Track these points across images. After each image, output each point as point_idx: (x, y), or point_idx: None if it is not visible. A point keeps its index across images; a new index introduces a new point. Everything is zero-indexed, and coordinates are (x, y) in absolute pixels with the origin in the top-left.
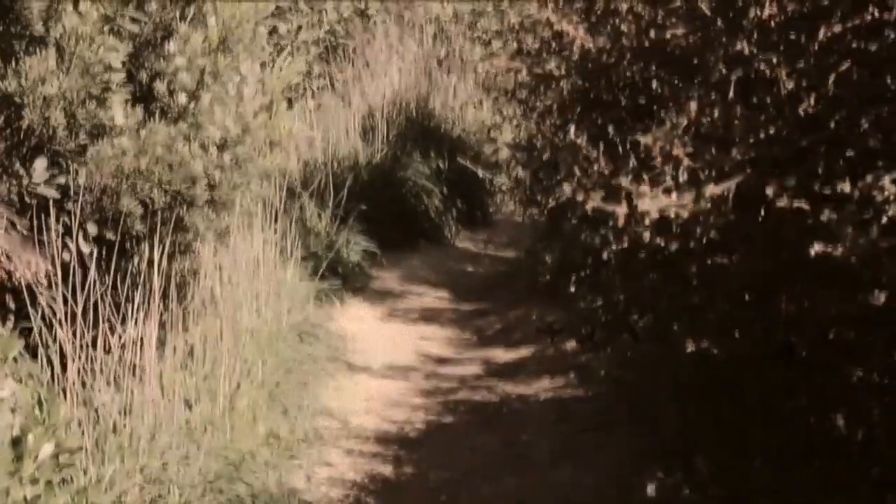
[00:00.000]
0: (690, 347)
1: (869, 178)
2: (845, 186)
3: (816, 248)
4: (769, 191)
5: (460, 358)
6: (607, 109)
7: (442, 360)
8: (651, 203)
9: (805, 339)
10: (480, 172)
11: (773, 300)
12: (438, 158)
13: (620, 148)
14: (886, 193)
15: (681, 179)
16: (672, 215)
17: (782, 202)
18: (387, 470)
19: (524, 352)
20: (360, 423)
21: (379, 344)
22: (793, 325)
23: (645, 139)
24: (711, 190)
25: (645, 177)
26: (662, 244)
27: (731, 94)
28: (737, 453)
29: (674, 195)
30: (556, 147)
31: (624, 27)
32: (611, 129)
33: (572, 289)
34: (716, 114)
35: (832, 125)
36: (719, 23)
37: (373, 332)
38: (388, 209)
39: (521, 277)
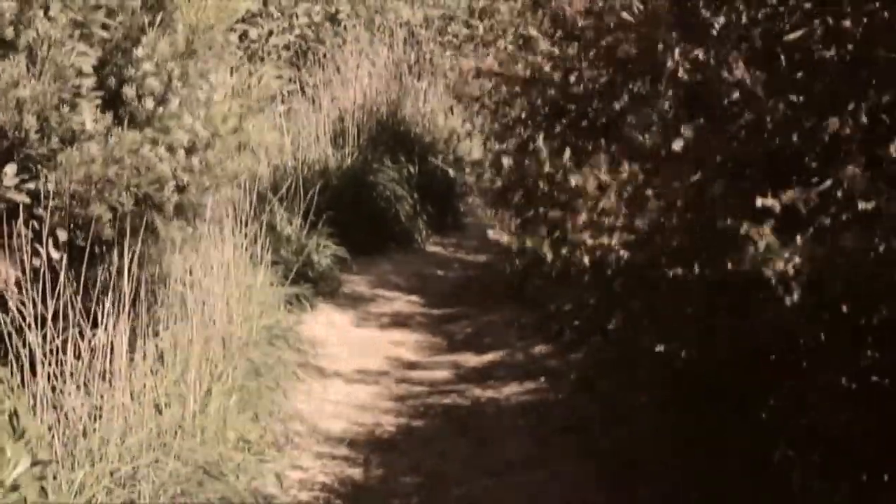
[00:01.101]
0: (659, 348)
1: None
2: (771, 201)
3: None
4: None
5: (431, 362)
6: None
7: (412, 365)
8: (583, 240)
9: (773, 344)
10: (451, 172)
11: (737, 305)
12: (409, 163)
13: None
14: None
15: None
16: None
17: (721, 222)
18: (357, 473)
19: (494, 356)
20: (330, 428)
21: (349, 348)
22: (757, 331)
23: (575, 179)
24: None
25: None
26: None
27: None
28: (707, 455)
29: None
30: (521, 159)
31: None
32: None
33: (541, 289)
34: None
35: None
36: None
37: (343, 336)
38: (359, 214)
39: (491, 282)
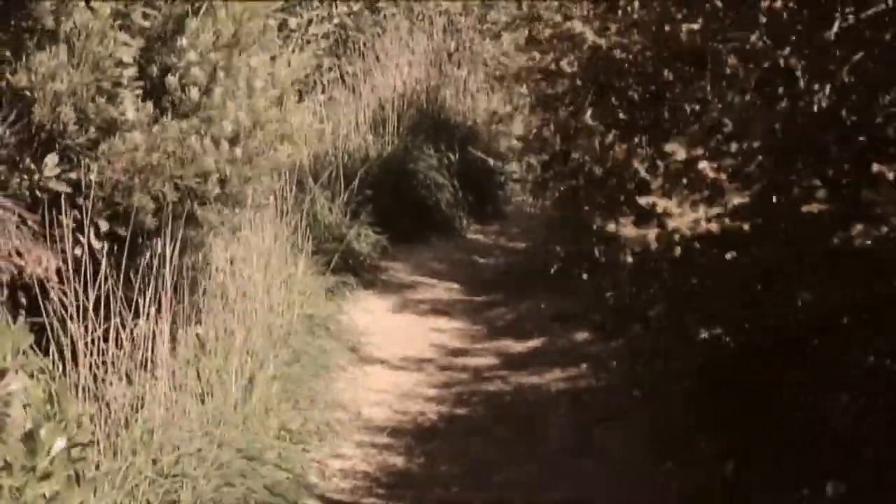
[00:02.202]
0: (703, 335)
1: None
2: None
3: (839, 238)
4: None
5: (472, 349)
6: (619, 96)
7: (454, 352)
8: (681, 220)
9: (814, 328)
10: (491, 162)
11: (783, 289)
12: (449, 151)
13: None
14: None
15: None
16: (703, 230)
17: (809, 206)
18: (399, 462)
19: (536, 343)
20: (372, 416)
21: (390, 336)
22: (802, 314)
23: (671, 146)
24: (738, 200)
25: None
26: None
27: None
28: (747, 440)
29: (701, 208)
30: (568, 135)
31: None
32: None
33: (584, 276)
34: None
35: (845, 117)
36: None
37: (384, 324)
38: (399, 202)
39: (532, 269)
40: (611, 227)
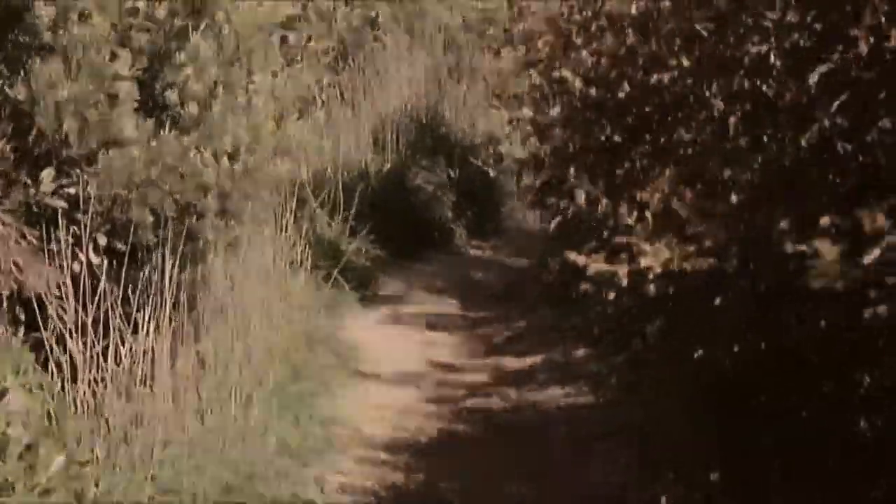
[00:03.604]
0: (698, 353)
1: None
2: (835, 219)
3: (815, 284)
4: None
5: (471, 365)
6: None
7: (452, 368)
8: (654, 259)
9: (814, 346)
10: (491, 174)
11: (780, 311)
12: (449, 167)
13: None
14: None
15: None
16: (675, 268)
17: (787, 245)
18: (398, 478)
19: (534, 360)
20: (371, 432)
21: (389, 352)
22: (802, 333)
23: (643, 195)
24: (713, 239)
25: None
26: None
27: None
28: (748, 461)
29: (675, 248)
30: (563, 160)
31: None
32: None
33: (582, 291)
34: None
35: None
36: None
37: (383, 339)
38: (399, 217)
39: (530, 286)
40: (580, 261)
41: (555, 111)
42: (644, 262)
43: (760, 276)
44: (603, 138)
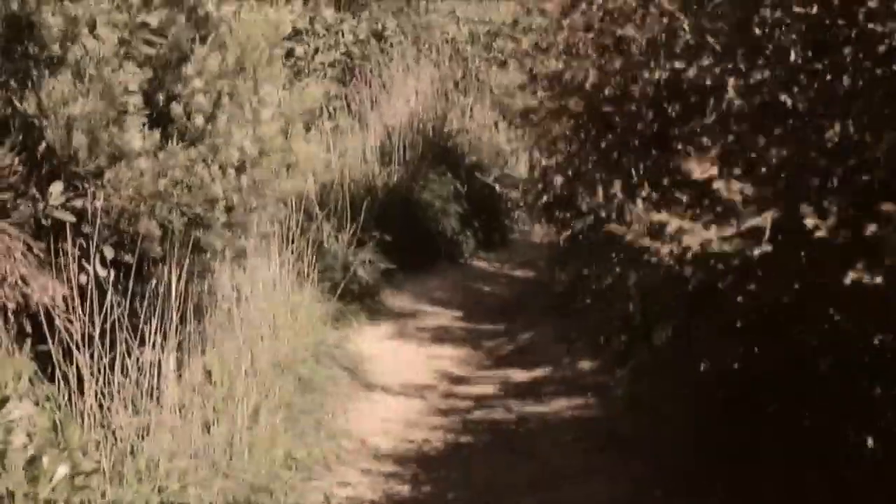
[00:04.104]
0: (705, 365)
1: None
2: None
3: (852, 276)
4: (809, 221)
5: (478, 377)
6: (623, 135)
7: (459, 380)
8: (693, 238)
9: (826, 359)
10: (498, 188)
11: (795, 322)
12: (456, 179)
13: (635, 171)
14: None
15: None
16: (716, 249)
17: (821, 231)
18: (405, 490)
19: (540, 372)
20: (377, 444)
21: (395, 364)
22: (814, 346)
23: (686, 164)
24: (752, 222)
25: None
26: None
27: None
28: (754, 470)
29: (713, 228)
30: (571, 177)
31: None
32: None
33: (588, 301)
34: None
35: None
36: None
37: (389, 352)
38: (405, 230)
39: (537, 298)
40: (628, 235)
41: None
42: (685, 240)
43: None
44: (614, 143)
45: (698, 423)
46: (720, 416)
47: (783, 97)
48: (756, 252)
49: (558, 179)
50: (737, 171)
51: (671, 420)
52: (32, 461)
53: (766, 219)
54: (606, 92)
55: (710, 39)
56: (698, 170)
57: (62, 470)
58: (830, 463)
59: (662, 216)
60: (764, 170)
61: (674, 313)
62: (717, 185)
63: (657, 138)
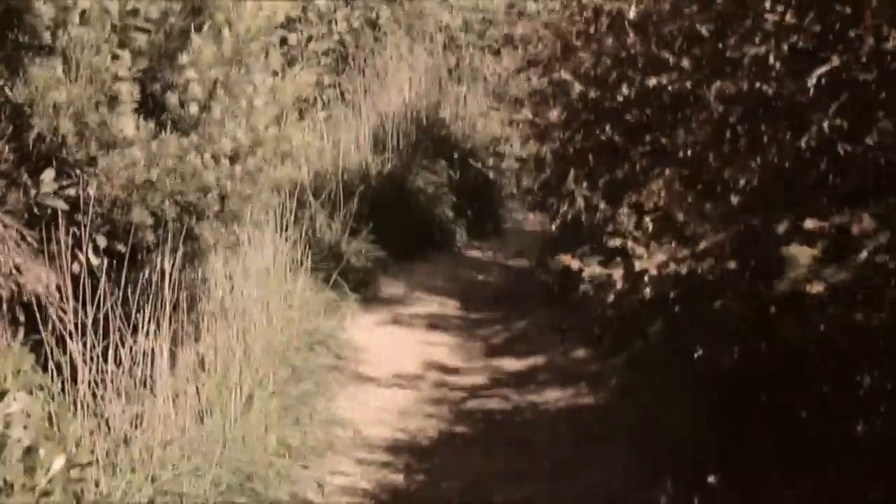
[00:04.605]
0: (699, 352)
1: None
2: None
3: (782, 287)
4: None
5: (471, 367)
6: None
7: (453, 370)
8: (649, 262)
9: (815, 349)
10: (492, 175)
11: (779, 314)
12: (449, 168)
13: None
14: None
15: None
16: (672, 272)
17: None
18: (398, 479)
19: (534, 361)
20: (371, 433)
21: (389, 353)
22: (803, 337)
23: (639, 197)
24: (710, 241)
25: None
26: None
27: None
28: (747, 462)
29: (664, 251)
30: (563, 161)
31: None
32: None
33: (581, 291)
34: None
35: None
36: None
37: (383, 340)
38: (399, 218)
39: (530, 287)
40: (574, 265)
41: (554, 113)
42: (639, 264)
43: (759, 280)
44: (603, 139)
45: (692, 413)
46: (714, 406)
47: (764, 87)
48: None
49: (550, 162)
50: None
51: (665, 410)
52: (29, 453)
53: (718, 239)
54: (593, 94)
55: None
56: (649, 202)
57: (58, 462)
58: (824, 454)
59: (618, 241)
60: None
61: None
62: (672, 207)
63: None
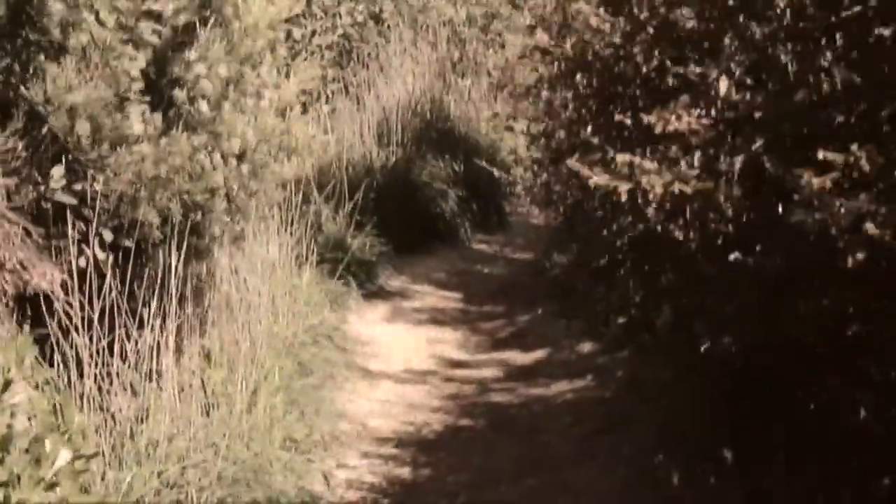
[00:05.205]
0: (706, 343)
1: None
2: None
3: (796, 217)
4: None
5: (477, 360)
6: (624, 100)
7: (458, 363)
8: (654, 179)
9: (823, 336)
10: (496, 172)
11: (792, 298)
12: (453, 161)
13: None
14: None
15: (695, 161)
16: (676, 191)
17: (804, 190)
18: (404, 473)
19: (540, 354)
20: (377, 426)
21: (394, 347)
22: (810, 322)
23: (649, 117)
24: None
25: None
26: (676, 234)
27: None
28: (755, 453)
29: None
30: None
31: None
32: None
33: (588, 285)
34: (733, 93)
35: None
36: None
37: (388, 334)
38: (403, 212)
39: (536, 279)
40: (585, 172)
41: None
42: (646, 180)
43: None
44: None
45: (699, 404)
46: (721, 397)
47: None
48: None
49: (561, 134)
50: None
51: (672, 403)
52: (34, 444)
53: (733, 162)
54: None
55: None
56: (659, 125)
57: (64, 454)
58: (825, 445)
59: (625, 157)
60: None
61: (674, 295)
62: (681, 126)
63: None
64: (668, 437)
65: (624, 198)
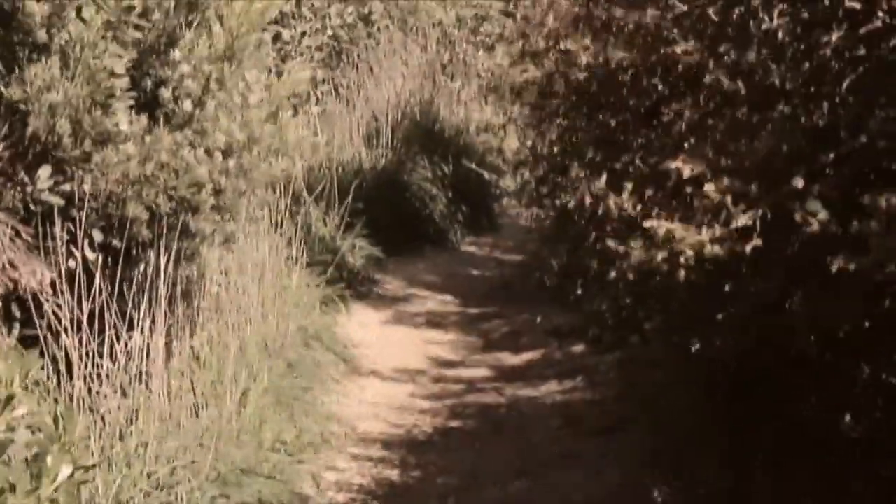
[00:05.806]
0: (695, 347)
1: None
2: (870, 199)
3: (839, 264)
4: (797, 216)
5: (467, 362)
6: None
7: (449, 364)
8: (686, 243)
9: (815, 343)
10: (486, 175)
11: (783, 306)
12: (443, 163)
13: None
14: None
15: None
16: (708, 253)
17: (812, 227)
18: (394, 474)
19: (531, 355)
20: (366, 428)
21: (385, 349)
22: (803, 330)
23: (675, 163)
24: (743, 221)
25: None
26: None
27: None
28: (744, 456)
29: (705, 230)
30: (563, 151)
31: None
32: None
33: (579, 291)
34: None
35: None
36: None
37: (378, 336)
38: (393, 214)
39: (526, 281)
40: (621, 249)
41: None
42: (678, 246)
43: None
44: (610, 123)
45: (688, 406)
46: (714, 402)
47: (773, 79)
48: (748, 249)
49: (552, 149)
50: (724, 163)
51: (661, 404)
52: (35, 459)
53: (751, 217)
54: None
55: None
56: (686, 169)
57: (66, 470)
58: (820, 448)
59: (653, 222)
60: (748, 164)
61: (664, 307)
62: (708, 187)
63: (647, 117)
64: (659, 439)
65: (664, 268)
